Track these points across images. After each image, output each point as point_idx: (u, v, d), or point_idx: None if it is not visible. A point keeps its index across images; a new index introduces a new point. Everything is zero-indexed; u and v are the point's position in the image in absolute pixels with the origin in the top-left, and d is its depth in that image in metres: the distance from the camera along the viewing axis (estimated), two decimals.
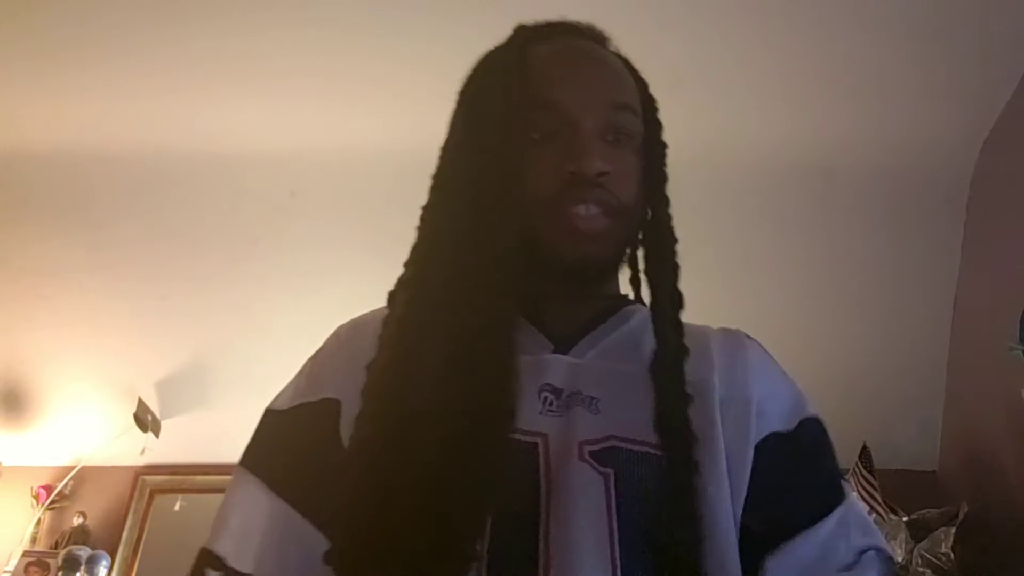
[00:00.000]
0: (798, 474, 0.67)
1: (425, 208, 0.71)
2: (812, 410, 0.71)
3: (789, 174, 2.70)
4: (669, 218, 0.72)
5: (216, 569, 0.62)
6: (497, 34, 0.76)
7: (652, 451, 0.61)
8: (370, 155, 2.65)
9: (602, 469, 0.60)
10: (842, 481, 0.71)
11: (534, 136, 0.67)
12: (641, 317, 0.73)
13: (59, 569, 2.85)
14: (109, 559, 2.97)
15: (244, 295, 2.92)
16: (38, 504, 3.07)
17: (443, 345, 0.60)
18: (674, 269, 0.70)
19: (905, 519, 2.52)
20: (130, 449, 3.02)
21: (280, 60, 2.42)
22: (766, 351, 0.75)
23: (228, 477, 0.68)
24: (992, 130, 2.62)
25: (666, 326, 0.67)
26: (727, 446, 0.64)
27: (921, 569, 2.40)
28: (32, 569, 2.92)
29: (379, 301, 0.71)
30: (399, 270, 0.69)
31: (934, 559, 2.39)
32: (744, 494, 0.63)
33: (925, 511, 2.54)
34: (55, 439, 3.16)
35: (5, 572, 2.88)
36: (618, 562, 0.56)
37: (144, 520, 3.17)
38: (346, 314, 0.77)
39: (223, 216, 2.82)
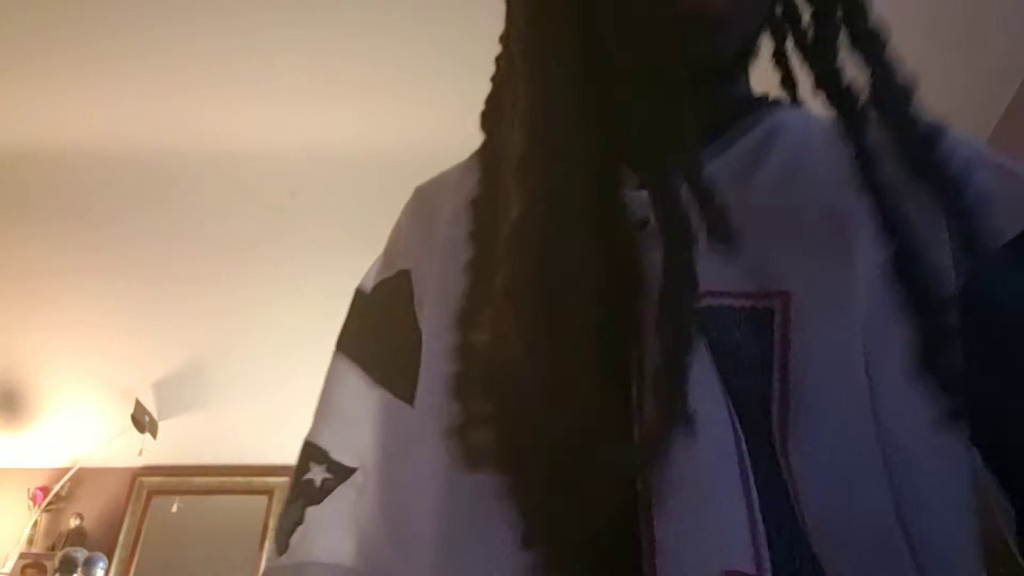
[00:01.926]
0: None
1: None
2: None
3: None
4: None
5: (319, 463, 0.58)
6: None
7: (754, 303, 0.43)
8: (370, 156, 2.65)
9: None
10: None
11: None
12: (788, 124, 0.51)
13: (56, 571, 2.85)
14: (106, 561, 2.96)
15: (242, 296, 2.92)
16: (35, 506, 3.06)
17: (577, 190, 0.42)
18: (877, 36, 0.49)
19: None
20: (127, 450, 3.01)
21: (280, 60, 2.41)
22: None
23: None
24: (992, 130, 2.62)
25: (896, 110, 0.45)
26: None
27: None
28: (29, 571, 2.92)
29: None
30: None
31: None
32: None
33: None
34: (52, 440, 3.16)
35: (2, 574, 2.87)
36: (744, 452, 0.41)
37: (141, 521, 3.16)
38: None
39: (222, 217, 2.82)
